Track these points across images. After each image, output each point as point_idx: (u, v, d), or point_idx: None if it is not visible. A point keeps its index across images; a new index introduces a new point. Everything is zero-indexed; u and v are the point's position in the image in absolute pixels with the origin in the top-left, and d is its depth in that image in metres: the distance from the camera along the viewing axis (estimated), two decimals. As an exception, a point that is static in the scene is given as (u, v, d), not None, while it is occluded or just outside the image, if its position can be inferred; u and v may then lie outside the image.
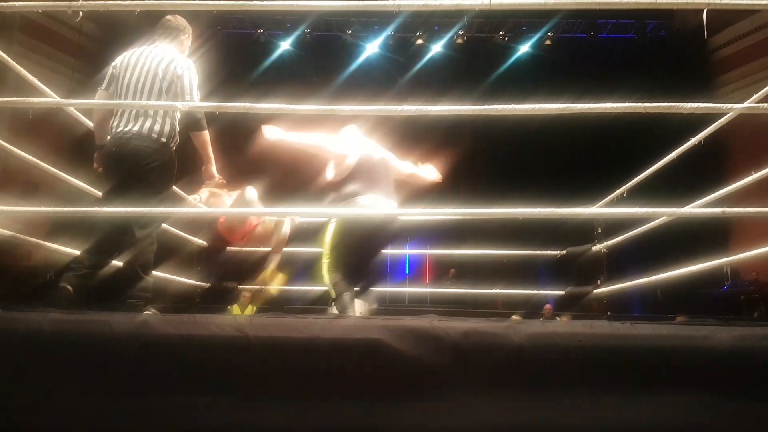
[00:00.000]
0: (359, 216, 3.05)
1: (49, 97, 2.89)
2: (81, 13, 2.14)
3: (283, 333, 1.66)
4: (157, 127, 2.59)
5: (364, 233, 3.02)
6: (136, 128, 2.57)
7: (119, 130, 2.58)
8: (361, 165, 3.15)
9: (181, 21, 2.86)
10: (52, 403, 1.61)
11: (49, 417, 1.60)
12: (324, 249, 3.16)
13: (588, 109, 2.14)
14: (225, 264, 4.58)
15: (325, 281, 3.08)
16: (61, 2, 2.20)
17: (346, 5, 2.47)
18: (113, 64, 2.72)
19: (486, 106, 2.19)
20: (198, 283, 4.47)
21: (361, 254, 3.16)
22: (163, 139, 2.61)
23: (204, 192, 4.48)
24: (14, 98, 2.23)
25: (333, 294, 3.03)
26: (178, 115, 2.65)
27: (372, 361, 1.58)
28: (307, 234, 4.40)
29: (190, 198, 4.29)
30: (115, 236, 2.54)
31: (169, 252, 4.32)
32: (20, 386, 1.63)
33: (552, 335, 1.65)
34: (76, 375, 1.64)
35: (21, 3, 2.29)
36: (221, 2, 2.35)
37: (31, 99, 2.26)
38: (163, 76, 2.63)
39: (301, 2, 2.35)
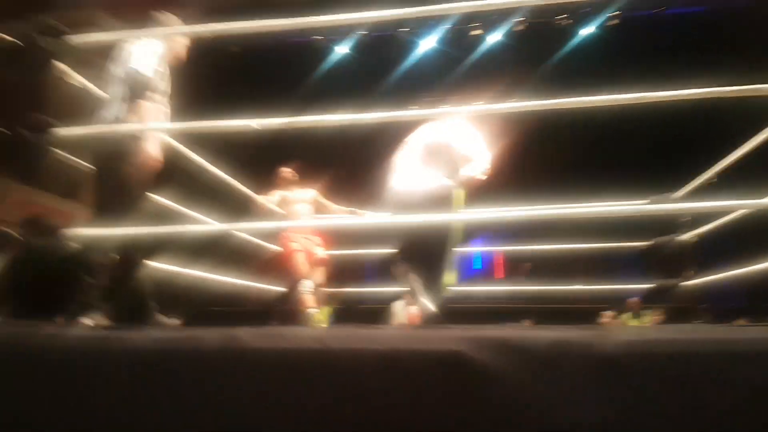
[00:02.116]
0: (394, 199, 3.10)
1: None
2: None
3: (363, 345, 1.66)
4: (115, 111, 2.62)
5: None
6: (103, 120, 2.63)
7: None
8: (404, 153, 3.25)
9: (171, 19, 2.85)
10: (148, 417, 1.68)
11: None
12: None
13: (668, 98, 2.02)
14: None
15: None
16: (138, 32, 2.29)
17: (412, 12, 2.45)
18: None
19: (563, 100, 2.11)
20: (274, 287, 4.58)
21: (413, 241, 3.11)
22: (117, 119, 2.61)
23: (275, 195, 4.59)
24: (98, 126, 2.35)
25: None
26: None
27: (454, 373, 1.54)
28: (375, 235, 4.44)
29: (259, 198, 4.40)
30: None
31: (244, 259, 4.46)
32: (118, 402, 1.70)
33: (648, 343, 1.55)
34: (172, 390, 1.70)
35: (100, 34, 2.42)
36: (268, 22, 2.37)
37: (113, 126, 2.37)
38: (121, 60, 2.70)
39: (355, 15, 2.35)
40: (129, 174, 2.56)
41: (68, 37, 2.38)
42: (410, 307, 5.64)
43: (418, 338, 1.66)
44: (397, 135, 3.32)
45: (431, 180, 3.09)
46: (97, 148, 2.60)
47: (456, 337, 1.60)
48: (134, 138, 2.57)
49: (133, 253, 2.56)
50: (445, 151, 3.18)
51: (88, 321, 2.41)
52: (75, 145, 2.65)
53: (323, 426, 1.57)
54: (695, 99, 1.99)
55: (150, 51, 2.63)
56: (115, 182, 2.57)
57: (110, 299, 2.57)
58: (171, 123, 2.63)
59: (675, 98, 2.01)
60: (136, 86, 2.58)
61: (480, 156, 3.24)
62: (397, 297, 5.72)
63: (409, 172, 3.14)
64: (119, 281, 2.54)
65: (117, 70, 2.68)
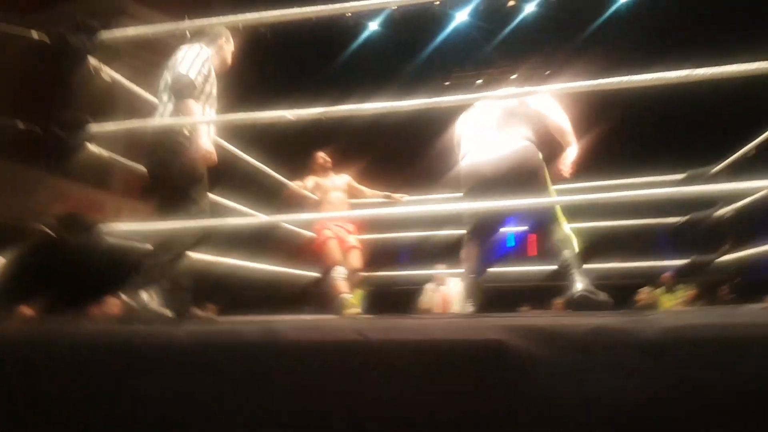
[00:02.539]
0: (466, 175, 2.84)
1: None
2: (188, 33, 2.24)
3: (403, 335, 1.67)
4: (164, 113, 2.73)
5: (478, 190, 2.70)
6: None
7: None
8: (469, 129, 3.00)
9: (217, 27, 2.94)
10: (188, 410, 1.72)
11: (183, 425, 1.71)
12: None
13: (712, 75, 1.96)
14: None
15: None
16: (168, 25, 2.31)
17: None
18: None
19: (600, 81, 2.07)
20: (309, 273, 4.63)
21: (492, 217, 2.90)
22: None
23: (310, 180, 4.63)
24: (134, 121, 2.38)
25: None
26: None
27: (494, 362, 1.55)
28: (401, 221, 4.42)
29: (292, 184, 4.44)
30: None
31: (281, 245, 4.51)
32: (158, 398, 1.75)
33: (687, 328, 1.53)
34: (211, 383, 1.74)
35: (132, 30, 2.44)
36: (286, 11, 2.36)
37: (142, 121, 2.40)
38: (168, 66, 2.80)
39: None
40: (186, 170, 2.65)
41: (100, 33, 2.42)
42: (442, 288, 5.67)
43: (457, 328, 1.67)
44: (433, 118, 3.24)
45: (513, 142, 2.81)
46: (151, 149, 2.69)
47: (495, 325, 1.61)
48: (185, 136, 2.66)
49: (174, 246, 2.61)
50: (532, 114, 2.91)
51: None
52: (110, 141, 2.70)
53: (364, 418, 1.60)
54: (739, 75, 1.93)
55: (195, 55, 2.73)
56: (174, 181, 2.65)
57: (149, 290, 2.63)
58: (205, 117, 2.66)
59: (721, 76, 1.95)
60: (180, 88, 2.66)
61: (570, 136, 2.95)
62: (428, 279, 5.74)
63: (484, 139, 2.85)
64: (157, 273, 2.60)
65: (167, 76, 2.79)
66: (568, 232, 2.79)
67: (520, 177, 2.72)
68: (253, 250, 3.80)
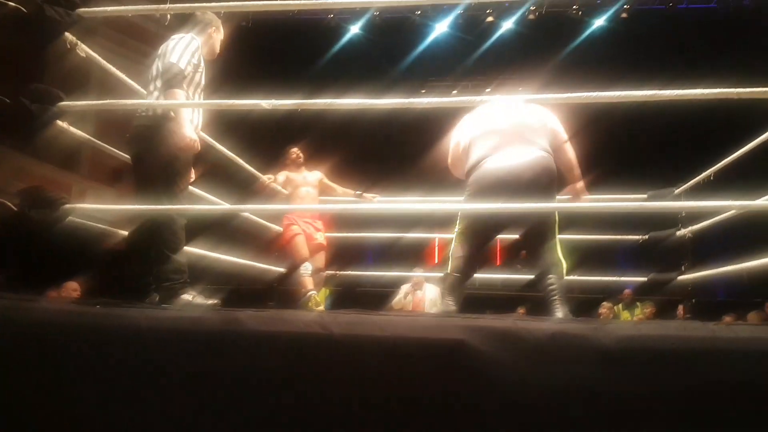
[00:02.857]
0: (488, 177, 2.77)
1: (136, 90, 3.04)
2: (169, 17, 2.22)
3: (367, 331, 1.68)
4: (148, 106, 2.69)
5: (498, 195, 2.65)
6: (139, 112, 2.69)
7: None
8: (483, 133, 2.94)
9: (208, 15, 2.94)
10: (144, 398, 1.70)
11: (141, 413, 1.69)
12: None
13: (678, 96, 2.03)
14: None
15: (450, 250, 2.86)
16: (150, 7, 2.28)
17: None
18: None
19: (571, 94, 2.12)
20: (275, 268, 4.60)
21: (497, 225, 2.87)
22: (159, 111, 2.66)
23: (281, 175, 4.60)
24: (107, 101, 2.34)
25: (448, 267, 2.82)
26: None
27: (455, 361, 1.57)
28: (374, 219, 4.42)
29: (264, 177, 4.41)
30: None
31: (247, 238, 4.48)
32: (117, 382, 1.72)
33: (643, 338, 1.58)
34: (169, 370, 1.72)
35: (112, 8, 2.40)
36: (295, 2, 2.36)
37: (123, 102, 2.37)
38: (159, 54, 2.76)
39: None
40: (170, 158, 2.64)
41: (79, 9, 2.37)
42: (417, 292, 5.69)
43: (421, 326, 1.69)
44: (408, 120, 3.24)
45: (536, 152, 2.80)
46: (136, 135, 2.66)
47: (458, 325, 1.63)
48: (169, 123, 2.64)
49: (150, 232, 2.58)
50: (544, 133, 2.92)
51: (186, 296, 2.52)
52: (79, 121, 2.65)
53: (324, 411, 1.60)
54: (705, 99, 2.00)
55: (186, 45, 2.73)
56: (158, 168, 2.62)
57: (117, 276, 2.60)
58: (179, 101, 2.62)
59: (686, 97, 2.02)
60: (170, 77, 2.66)
61: (577, 171, 3.00)
62: (397, 281, 5.76)
63: (505, 146, 2.82)
64: (130, 260, 2.58)
65: (158, 64, 2.77)
66: (560, 257, 2.82)
67: (539, 186, 2.75)
68: (217, 241, 3.76)
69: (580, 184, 3.04)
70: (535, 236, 2.81)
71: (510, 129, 2.91)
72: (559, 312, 2.50)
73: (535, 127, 2.94)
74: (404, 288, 5.74)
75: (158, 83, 2.74)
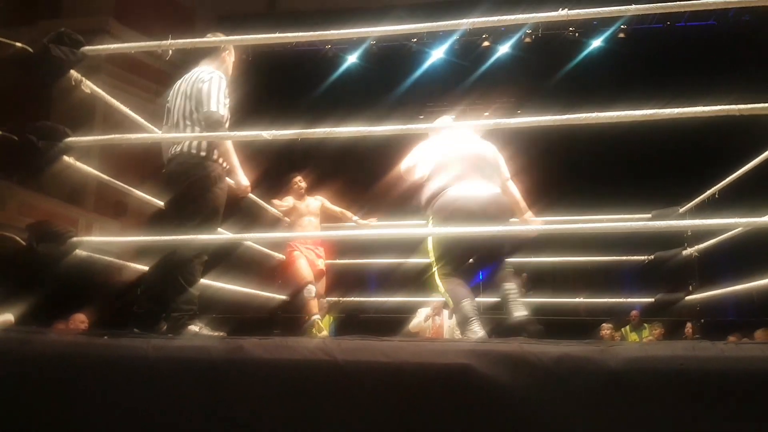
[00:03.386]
0: (453, 204, 2.83)
1: (139, 124, 3.07)
2: (170, 52, 2.26)
3: (371, 357, 1.68)
4: (195, 143, 2.67)
5: (463, 223, 2.72)
6: (179, 149, 2.68)
7: (168, 155, 2.73)
8: (446, 161, 2.99)
9: (220, 38, 2.91)
10: (151, 427, 1.70)
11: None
12: (430, 257, 2.97)
13: (679, 114, 2.04)
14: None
15: (441, 291, 2.88)
16: (152, 43, 2.33)
17: (426, 27, 2.49)
18: (167, 97, 2.87)
19: (569, 116, 2.14)
20: (279, 296, 4.60)
21: (470, 249, 2.94)
22: (203, 153, 2.66)
23: (287, 200, 4.63)
24: (112, 136, 2.38)
25: (450, 303, 2.82)
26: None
27: (461, 386, 1.57)
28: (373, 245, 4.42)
29: (274, 201, 4.43)
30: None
31: (250, 266, 4.48)
32: (125, 411, 1.72)
33: (650, 359, 1.57)
34: (176, 399, 1.72)
35: (115, 45, 2.45)
36: (298, 34, 2.41)
37: (126, 135, 2.41)
38: (190, 94, 2.73)
39: (377, 29, 2.38)
40: (216, 199, 2.68)
41: (84, 48, 2.42)
42: (435, 318, 5.63)
43: (426, 351, 1.68)
44: (407, 145, 3.25)
45: (494, 188, 2.93)
46: (179, 173, 2.66)
47: (463, 350, 1.63)
48: (222, 167, 2.72)
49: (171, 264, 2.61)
50: (497, 170, 3.06)
51: (193, 327, 2.52)
52: (85, 156, 2.69)
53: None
54: (707, 116, 2.02)
55: (218, 87, 2.71)
56: (200, 209, 2.64)
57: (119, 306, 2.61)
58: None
59: (687, 115, 2.04)
60: (216, 125, 2.65)
61: (524, 204, 3.18)
62: (401, 307, 5.72)
63: (468, 178, 2.90)
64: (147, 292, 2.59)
65: (187, 104, 2.73)
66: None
67: (500, 221, 2.87)
68: (221, 270, 3.76)
69: (529, 214, 3.20)
70: (500, 259, 2.98)
71: (471, 160, 2.99)
72: (520, 312, 2.66)
73: (490, 162, 3.06)
74: (423, 311, 5.68)
75: (190, 120, 2.70)
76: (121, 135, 2.46)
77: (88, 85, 2.61)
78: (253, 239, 3.81)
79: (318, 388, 1.66)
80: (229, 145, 2.74)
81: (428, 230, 2.69)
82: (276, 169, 5.54)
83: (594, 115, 2.09)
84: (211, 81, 2.73)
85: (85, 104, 2.78)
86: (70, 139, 2.38)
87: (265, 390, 1.69)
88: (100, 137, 2.53)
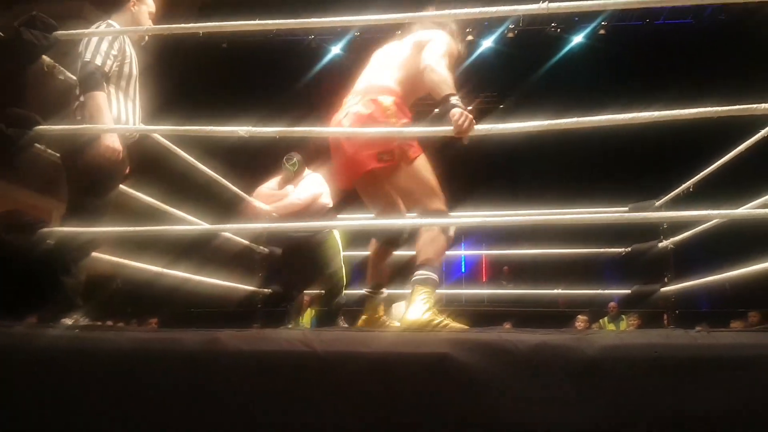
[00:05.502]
0: None
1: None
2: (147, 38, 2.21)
3: (351, 348, 1.67)
4: (75, 106, 2.54)
5: None
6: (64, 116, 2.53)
7: None
8: None
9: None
10: (126, 419, 1.67)
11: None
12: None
13: (659, 118, 2.07)
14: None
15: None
16: (128, 29, 2.27)
17: (409, 17, 2.47)
18: None
19: (552, 121, 2.15)
20: (260, 289, 4.56)
21: None
22: (78, 117, 2.51)
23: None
24: (84, 126, 2.32)
25: None
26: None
27: (440, 375, 1.56)
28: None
29: (252, 198, 4.38)
30: None
31: (231, 259, 4.44)
32: (101, 402, 1.69)
33: (626, 347, 1.59)
34: (150, 390, 1.69)
35: (89, 31, 2.38)
36: (281, 21, 2.38)
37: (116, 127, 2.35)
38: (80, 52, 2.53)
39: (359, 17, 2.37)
40: (89, 166, 2.46)
41: (56, 32, 2.35)
42: None
43: (405, 341, 1.68)
44: None
45: None
46: (60, 144, 2.52)
47: (442, 339, 1.63)
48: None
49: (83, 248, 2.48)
50: None
51: (66, 320, 2.37)
52: (56, 142, 2.61)
53: (309, 428, 1.58)
54: (686, 119, 2.05)
55: (100, 37, 2.50)
56: (78, 176, 2.49)
57: (89, 298, 2.54)
58: (155, 126, 2.60)
59: (665, 119, 2.06)
60: (86, 78, 2.45)
61: None
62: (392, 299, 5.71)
63: None
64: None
65: (78, 65, 2.55)
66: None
67: None
68: (199, 263, 3.71)
69: None
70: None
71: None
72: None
73: None
74: (396, 307, 5.69)
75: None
76: (93, 125, 2.39)
77: (62, 71, 2.54)
78: (232, 231, 3.76)
79: (297, 379, 1.64)
80: (101, 101, 2.47)
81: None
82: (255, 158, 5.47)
83: (574, 120, 2.12)
84: (95, 30, 2.53)
85: (62, 91, 2.68)
86: (40, 127, 2.31)
87: (242, 382, 1.67)
88: (72, 126, 2.44)
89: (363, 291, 2.81)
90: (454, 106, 2.19)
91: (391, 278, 2.92)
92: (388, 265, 2.82)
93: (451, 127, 2.15)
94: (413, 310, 2.18)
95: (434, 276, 2.28)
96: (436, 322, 2.14)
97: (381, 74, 2.59)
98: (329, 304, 3.96)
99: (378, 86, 2.52)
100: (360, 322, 2.82)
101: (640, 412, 1.51)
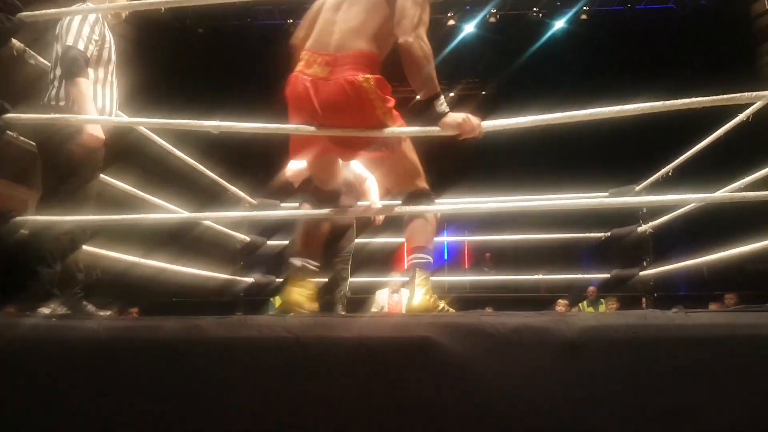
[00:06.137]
0: None
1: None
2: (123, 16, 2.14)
3: (333, 333, 1.66)
4: (54, 92, 2.47)
5: None
6: (42, 102, 2.46)
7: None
8: None
9: None
10: (106, 407, 1.65)
11: (102, 421, 1.63)
12: None
13: (641, 110, 2.08)
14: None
15: None
16: (95, 7, 2.21)
17: None
18: None
19: (542, 116, 2.15)
20: (241, 278, 4.53)
21: None
22: (61, 103, 2.44)
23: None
24: (56, 115, 2.27)
25: None
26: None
27: (422, 359, 1.57)
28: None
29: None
30: None
31: (211, 248, 4.40)
32: (77, 392, 1.67)
33: (605, 328, 1.61)
34: (130, 379, 1.67)
35: (54, 11, 2.32)
36: None
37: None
38: (57, 34, 2.48)
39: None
40: (70, 155, 2.41)
41: (21, 14, 2.26)
42: (393, 295, 5.68)
43: (386, 326, 1.68)
44: None
45: None
46: (37, 130, 2.46)
47: (424, 323, 1.63)
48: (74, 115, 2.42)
49: (73, 237, 2.44)
50: None
51: (44, 309, 2.34)
52: (32, 129, 2.55)
53: (292, 414, 1.58)
54: (672, 110, 2.06)
55: (81, 18, 2.43)
56: (58, 164, 2.43)
57: (65, 287, 2.50)
58: (129, 118, 2.53)
59: (657, 110, 2.08)
60: (69, 64, 2.39)
61: None
62: (367, 287, 5.72)
63: None
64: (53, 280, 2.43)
65: (57, 48, 2.49)
66: None
67: None
68: (180, 252, 3.67)
69: None
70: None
71: None
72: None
73: None
74: (379, 293, 5.71)
75: (58, 71, 2.44)
76: (66, 115, 2.32)
77: (33, 56, 2.48)
78: (212, 219, 3.71)
79: (279, 365, 1.63)
80: (84, 87, 2.42)
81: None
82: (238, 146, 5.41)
83: (561, 114, 2.12)
84: (74, 12, 2.46)
85: (34, 77, 2.60)
86: (9, 115, 2.24)
87: (224, 369, 1.65)
88: (42, 116, 2.36)
89: (296, 261, 2.46)
90: (444, 113, 2.14)
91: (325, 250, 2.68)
92: (323, 234, 2.58)
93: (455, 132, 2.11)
94: (418, 295, 2.19)
95: (430, 259, 2.29)
96: (441, 307, 2.17)
97: (353, 25, 2.28)
98: (333, 292, 3.92)
99: (355, 51, 2.24)
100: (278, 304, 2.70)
101: (619, 391, 1.52)
